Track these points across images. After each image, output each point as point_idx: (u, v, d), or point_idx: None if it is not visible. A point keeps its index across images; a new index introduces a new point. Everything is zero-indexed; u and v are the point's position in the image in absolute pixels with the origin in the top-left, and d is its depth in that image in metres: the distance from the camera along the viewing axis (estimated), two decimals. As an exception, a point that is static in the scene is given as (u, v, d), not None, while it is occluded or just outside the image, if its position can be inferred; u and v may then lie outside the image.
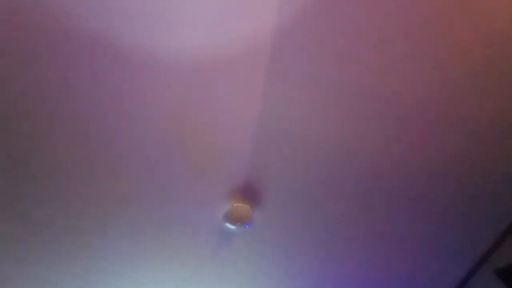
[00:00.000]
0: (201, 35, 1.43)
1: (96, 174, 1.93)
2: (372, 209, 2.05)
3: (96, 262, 2.42)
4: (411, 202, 2.00)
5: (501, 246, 2.14)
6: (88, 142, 1.80)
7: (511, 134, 1.67)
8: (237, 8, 1.36)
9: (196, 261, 2.43)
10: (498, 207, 1.97)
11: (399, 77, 1.52)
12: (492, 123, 1.63)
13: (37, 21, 1.40)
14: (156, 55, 1.50)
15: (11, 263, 2.41)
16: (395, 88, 1.55)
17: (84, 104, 1.66)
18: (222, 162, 1.89)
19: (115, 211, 2.11)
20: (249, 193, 2.03)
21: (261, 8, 1.35)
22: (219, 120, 1.72)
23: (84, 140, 1.79)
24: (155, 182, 1.97)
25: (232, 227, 2.01)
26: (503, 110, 1.59)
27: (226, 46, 1.47)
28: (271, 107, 1.66)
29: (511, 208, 1.98)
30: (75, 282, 2.56)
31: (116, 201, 2.06)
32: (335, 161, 1.84)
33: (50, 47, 1.47)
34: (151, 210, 2.11)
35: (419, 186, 1.92)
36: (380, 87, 1.55)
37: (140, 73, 1.56)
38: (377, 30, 1.39)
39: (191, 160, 1.88)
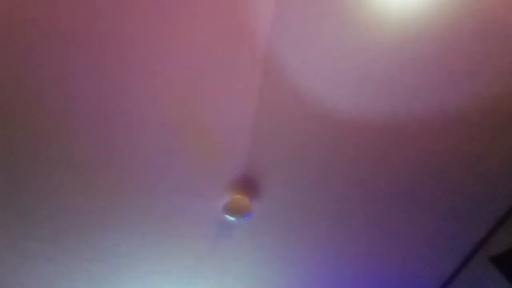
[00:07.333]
0: (200, 31, 1.44)
1: (96, 169, 1.94)
2: (369, 200, 2.08)
3: (98, 254, 2.45)
4: (407, 193, 2.02)
5: (495, 234, 2.17)
6: (88, 138, 1.81)
7: (507, 124, 1.68)
8: (234, 7, 1.36)
9: (197, 252, 2.46)
10: (493, 195, 2.00)
11: (398, 71, 1.53)
12: (489, 112, 1.65)
13: (36, 20, 1.40)
14: (156, 52, 1.50)
15: (14, 257, 2.44)
16: (392, 80, 1.56)
17: (84, 101, 1.67)
18: (222, 154, 1.91)
19: (116, 205, 2.13)
20: (248, 185, 2.05)
21: (257, 8, 1.35)
22: (218, 113, 1.73)
23: (84, 136, 1.80)
24: (155, 176, 1.99)
25: (231, 218, 2.04)
26: (498, 98, 1.60)
27: (224, 42, 1.47)
28: (269, 101, 1.67)
29: (505, 196, 2.00)
30: (78, 273, 2.60)
31: (116, 195, 2.08)
32: (333, 154, 1.86)
33: (49, 46, 1.47)
34: (151, 203, 2.14)
35: (416, 177, 1.94)
36: (378, 81, 1.56)
37: (140, 69, 1.56)
38: (375, 24, 1.39)
39: (191, 153, 1.90)
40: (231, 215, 2.03)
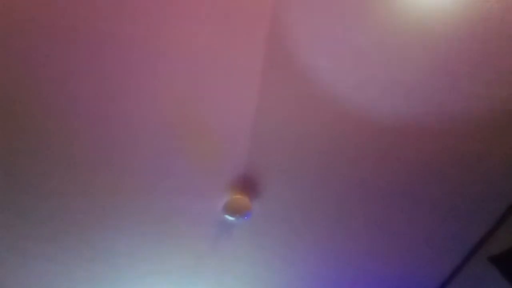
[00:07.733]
0: (200, 31, 1.44)
1: (96, 169, 1.94)
2: (369, 200, 2.08)
3: (98, 254, 2.45)
4: (407, 193, 2.03)
5: (495, 233, 2.18)
6: (88, 138, 1.81)
7: (507, 124, 1.69)
8: (234, 7, 1.36)
9: (197, 252, 2.47)
10: (493, 195, 2.00)
11: (398, 70, 1.53)
12: (489, 112, 1.65)
13: (36, 20, 1.39)
14: (156, 50, 1.50)
15: (14, 257, 2.44)
16: (392, 80, 1.56)
17: (84, 101, 1.67)
18: (222, 154, 1.91)
19: (116, 205, 2.14)
20: (248, 184, 2.05)
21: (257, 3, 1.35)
22: (218, 113, 1.73)
23: (84, 136, 1.80)
24: (155, 176, 1.99)
25: (231, 218, 2.04)
26: (498, 99, 1.60)
27: (224, 37, 1.47)
28: (269, 100, 1.67)
29: (505, 196, 2.00)
30: (78, 273, 2.60)
31: (116, 195, 2.08)
32: (333, 153, 1.87)
33: (49, 46, 1.47)
34: (151, 203, 2.14)
35: (416, 177, 1.95)
36: (378, 81, 1.56)
37: (140, 69, 1.56)
38: (378, 25, 1.39)
39: (191, 153, 1.90)
40: (231, 215, 2.03)
